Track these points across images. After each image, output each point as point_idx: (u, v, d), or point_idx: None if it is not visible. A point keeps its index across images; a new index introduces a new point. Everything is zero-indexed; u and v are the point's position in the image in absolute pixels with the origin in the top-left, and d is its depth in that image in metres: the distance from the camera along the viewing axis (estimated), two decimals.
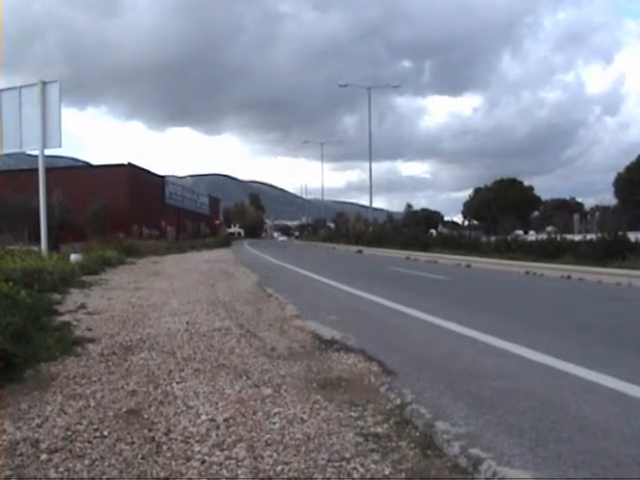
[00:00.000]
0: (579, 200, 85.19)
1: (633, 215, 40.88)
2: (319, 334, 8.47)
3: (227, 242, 76.34)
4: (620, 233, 27.76)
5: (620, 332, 9.41)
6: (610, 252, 26.31)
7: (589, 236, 31.78)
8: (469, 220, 79.96)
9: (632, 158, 68.40)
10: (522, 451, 4.03)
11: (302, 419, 4.66)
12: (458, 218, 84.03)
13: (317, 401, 5.13)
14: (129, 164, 55.46)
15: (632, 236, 28.26)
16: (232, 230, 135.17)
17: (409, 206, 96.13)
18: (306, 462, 3.79)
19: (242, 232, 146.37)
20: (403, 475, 3.63)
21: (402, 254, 38.54)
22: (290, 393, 5.39)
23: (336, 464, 3.75)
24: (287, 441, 4.18)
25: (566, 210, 68.73)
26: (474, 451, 3.96)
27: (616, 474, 3.69)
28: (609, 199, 57.15)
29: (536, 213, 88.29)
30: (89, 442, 4.16)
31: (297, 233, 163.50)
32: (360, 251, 47.57)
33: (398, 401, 5.15)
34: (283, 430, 4.40)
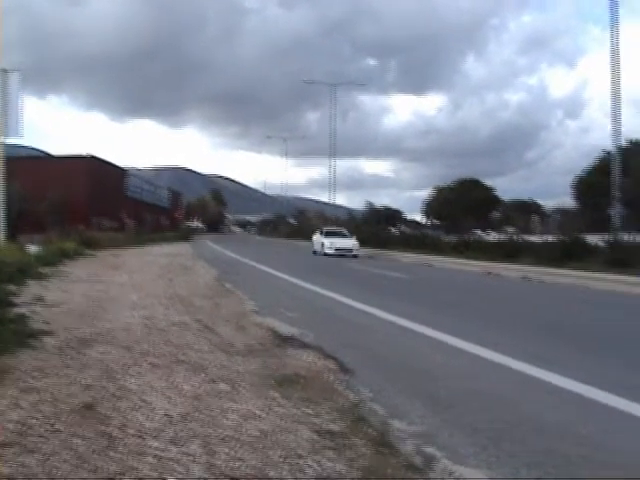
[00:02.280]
0: (539, 202, 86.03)
1: (592, 218, 41.46)
2: (277, 331, 8.46)
3: (187, 236, 75.84)
4: (577, 236, 28.22)
5: (578, 334, 9.59)
6: (568, 254, 26.74)
7: (548, 238, 32.24)
8: (431, 219, 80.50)
9: (591, 162, 69.23)
10: (476, 450, 4.09)
11: (258, 416, 4.65)
12: (420, 217, 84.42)
13: (274, 398, 5.13)
14: (90, 155, 54.74)
15: (591, 238, 28.75)
16: (193, 224, 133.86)
17: (369, 204, 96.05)
18: (261, 459, 3.78)
19: (203, 226, 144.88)
20: (358, 473, 3.65)
21: (363, 252, 38.68)
22: (247, 389, 5.38)
23: (291, 461, 3.76)
24: (243, 437, 4.17)
25: (526, 211, 69.45)
26: (429, 450, 4.01)
27: (568, 472, 3.76)
28: (568, 202, 57.98)
29: (497, 214, 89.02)
30: (43, 437, 4.11)
31: (254, 229, 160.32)
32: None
33: (355, 399, 5.17)
34: (239, 426, 4.40)
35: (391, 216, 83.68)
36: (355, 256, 37.06)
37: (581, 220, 40.72)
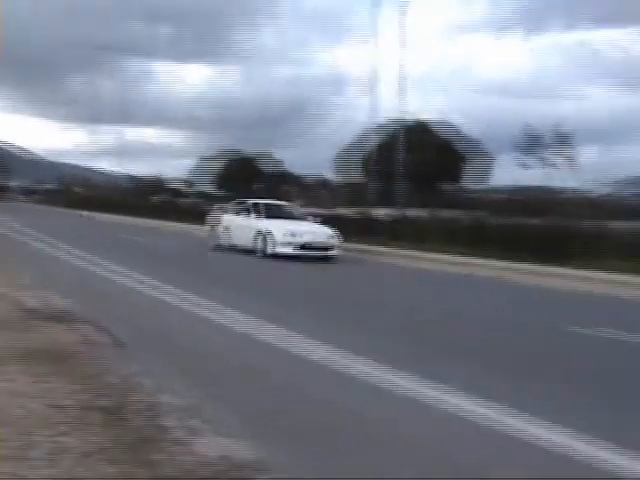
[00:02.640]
0: (314, 174, 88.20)
1: (379, 191, 43.38)
2: (47, 304, 8.19)
3: None
4: (335, 210, 30.00)
5: (368, 315, 9.89)
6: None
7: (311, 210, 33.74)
8: (217, 189, 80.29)
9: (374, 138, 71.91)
10: (242, 423, 4.26)
11: (23, 393, 4.52)
12: (189, 186, 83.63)
13: (40, 374, 4.99)
14: None
15: (381, 212, 30.57)
16: None
17: (130, 173, 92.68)
18: (24, 438, 3.69)
19: None
20: (123, 447, 3.68)
21: (136, 222, 37.98)
22: (12, 366, 5.20)
23: (56, 439, 3.71)
24: (6, 418, 4.05)
25: (293, 184, 71.18)
26: (194, 423, 4.13)
27: (330, 440, 4.10)
28: (329, 175, 60.23)
29: (287, 187, 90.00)
30: None
31: (37, 196, 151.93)
32: (85, 216, 46.08)
33: (124, 373, 5.18)
34: (3, 405, 4.27)
35: (158, 185, 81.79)
36: (329, 257, 19.55)
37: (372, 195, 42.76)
